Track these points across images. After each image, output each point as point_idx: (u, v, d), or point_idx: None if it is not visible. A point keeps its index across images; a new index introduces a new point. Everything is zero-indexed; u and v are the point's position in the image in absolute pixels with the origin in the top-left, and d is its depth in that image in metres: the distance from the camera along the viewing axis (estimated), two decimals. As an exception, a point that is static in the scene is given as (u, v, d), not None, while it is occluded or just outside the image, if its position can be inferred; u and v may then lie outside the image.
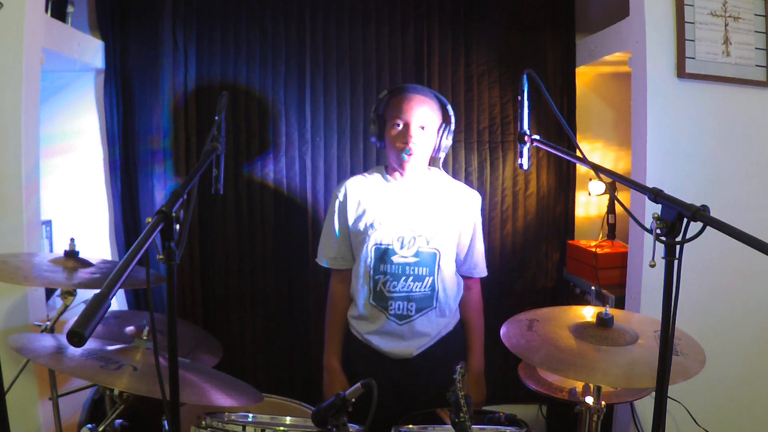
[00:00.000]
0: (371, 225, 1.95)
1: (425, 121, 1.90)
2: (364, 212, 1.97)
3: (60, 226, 2.52)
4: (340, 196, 2.01)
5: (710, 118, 2.20)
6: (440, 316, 2.00)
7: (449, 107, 1.97)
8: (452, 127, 1.98)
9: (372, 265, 1.95)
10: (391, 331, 1.97)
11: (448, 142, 1.99)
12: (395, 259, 1.94)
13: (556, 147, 1.57)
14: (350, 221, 1.99)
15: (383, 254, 1.94)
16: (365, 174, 2.07)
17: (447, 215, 1.99)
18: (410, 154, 1.90)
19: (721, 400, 2.25)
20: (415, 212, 1.96)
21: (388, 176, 2.01)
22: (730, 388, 2.26)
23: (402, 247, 1.93)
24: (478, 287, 2.15)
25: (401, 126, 1.90)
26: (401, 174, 1.99)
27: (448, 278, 1.99)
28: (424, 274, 1.95)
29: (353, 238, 2.00)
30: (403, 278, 1.94)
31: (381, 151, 2.07)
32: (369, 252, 1.95)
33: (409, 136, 1.88)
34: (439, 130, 1.96)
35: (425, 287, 1.95)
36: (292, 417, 1.60)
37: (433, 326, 1.99)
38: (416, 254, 1.94)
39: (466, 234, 2.05)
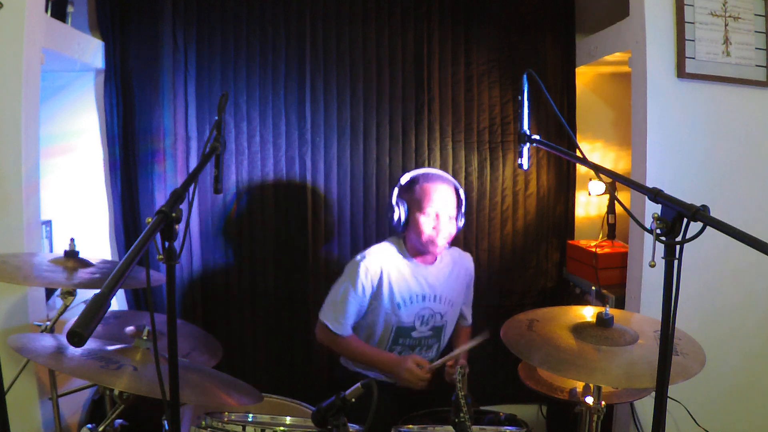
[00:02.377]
0: (397, 305, 2.06)
1: (452, 210, 2.04)
2: (391, 293, 2.05)
3: (60, 226, 2.51)
4: (370, 275, 2.04)
5: (710, 118, 2.20)
6: None
7: (461, 190, 2.10)
8: (464, 208, 2.11)
9: (392, 338, 2.11)
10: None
11: (461, 223, 2.12)
12: (414, 334, 2.12)
13: (556, 147, 1.57)
14: (374, 296, 2.06)
15: (404, 330, 2.10)
16: (386, 251, 2.12)
17: (458, 291, 2.19)
18: (442, 242, 2.04)
19: (721, 400, 2.25)
20: (435, 292, 2.12)
21: (409, 256, 2.11)
22: (730, 388, 2.26)
23: (421, 325, 2.11)
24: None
25: (432, 216, 2.01)
26: (423, 256, 2.11)
27: (448, 337, 2.24)
28: (433, 343, 2.17)
29: (373, 310, 2.08)
30: (417, 348, 2.14)
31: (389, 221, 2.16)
32: (391, 327, 2.09)
33: (441, 226, 2.01)
34: (458, 215, 2.09)
35: (433, 353, 2.18)
36: (292, 417, 1.60)
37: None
38: (431, 329, 2.14)
39: (467, 298, 2.29)
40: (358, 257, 2.10)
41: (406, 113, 2.69)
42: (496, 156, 2.75)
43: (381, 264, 2.06)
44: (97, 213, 2.63)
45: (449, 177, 2.11)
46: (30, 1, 1.87)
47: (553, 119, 2.72)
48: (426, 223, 2.01)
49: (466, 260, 2.26)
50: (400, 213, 2.05)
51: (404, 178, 2.11)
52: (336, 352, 2.18)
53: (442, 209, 2.01)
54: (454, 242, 2.67)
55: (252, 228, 2.65)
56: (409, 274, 2.09)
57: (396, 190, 2.10)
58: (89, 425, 1.52)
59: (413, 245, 2.11)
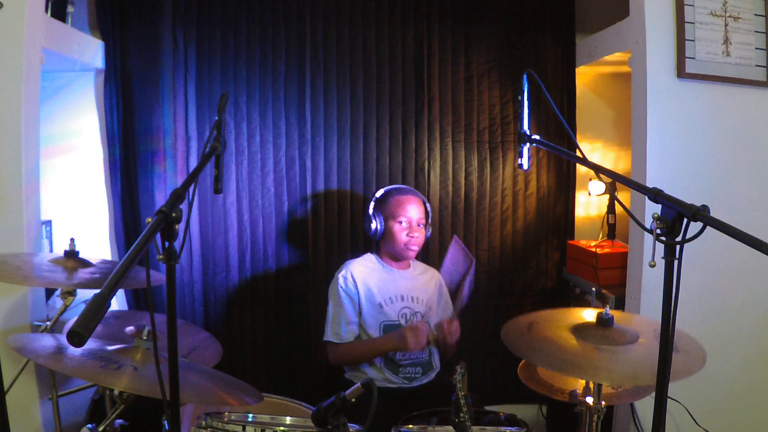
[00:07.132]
0: (379, 306, 2.22)
1: (421, 218, 2.26)
2: (372, 296, 2.22)
3: (60, 226, 2.51)
4: (349, 282, 2.22)
5: (710, 118, 2.20)
6: (437, 369, 2.30)
7: (428, 204, 2.34)
8: (430, 219, 2.33)
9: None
10: (399, 385, 2.20)
11: (429, 232, 2.33)
12: None
13: (556, 147, 1.57)
14: (360, 303, 2.21)
15: (391, 328, 2.20)
16: (363, 261, 2.30)
17: (434, 297, 2.34)
18: (415, 248, 2.24)
19: (721, 400, 2.25)
20: (412, 294, 2.27)
21: (385, 264, 2.31)
22: (730, 388, 2.26)
23: (406, 323, 2.21)
24: None
25: (405, 223, 2.22)
26: (398, 262, 2.31)
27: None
28: None
29: (364, 314, 2.21)
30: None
31: (370, 239, 2.34)
32: (379, 328, 2.20)
33: (414, 231, 2.23)
34: (426, 225, 2.30)
35: (425, 353, 2.23)
36: (292, 417, 1.60)
37: (432, 377, 2.27)
38: None
39: (445, 309, 2.36)
40: (336, 273, 2.25)
41: (406, 113, 2.69)
42: (496, 156, 2.75)
43: (356, 272, 2.23)
44: (97, 213, 2.63)
45: (417, 192, 2.35)
46: (30, 1, 1.87)
47: (553, 119, 2.72)
48: (400, 230, 2.22)
49: (436, 273, 2.40)
50: (376, 224, 2.25)
51: (379, 192, 2.32)
52: (347, 362, 2.24)
53: (413, 217, 2.23)
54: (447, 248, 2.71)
55: (252, 228, 2.65)
56: (385, 278, 2.27)
57: (372, 204, 2.29)
58: (89, 425, 1.52)
59: (389, 253, 2.30)
